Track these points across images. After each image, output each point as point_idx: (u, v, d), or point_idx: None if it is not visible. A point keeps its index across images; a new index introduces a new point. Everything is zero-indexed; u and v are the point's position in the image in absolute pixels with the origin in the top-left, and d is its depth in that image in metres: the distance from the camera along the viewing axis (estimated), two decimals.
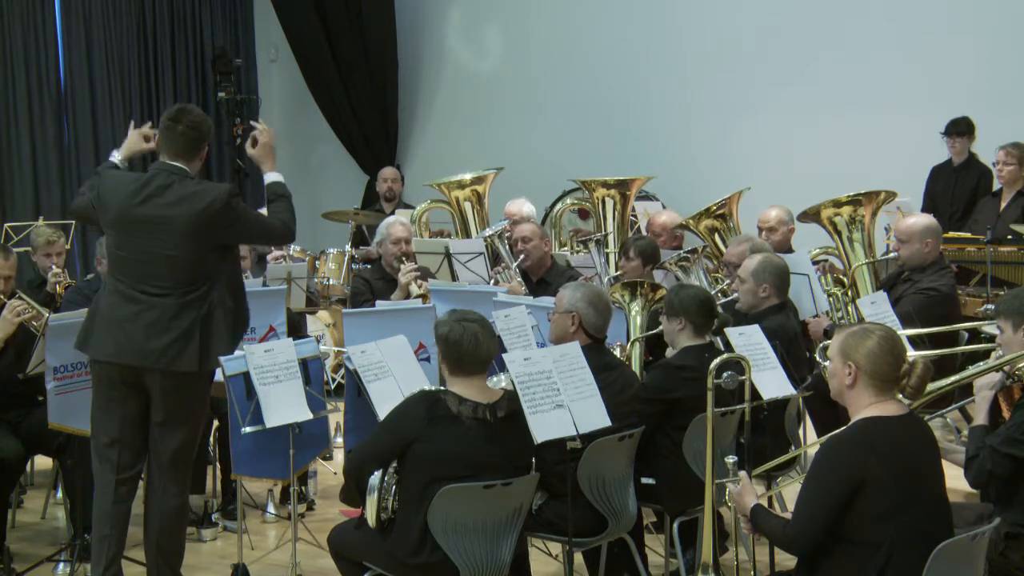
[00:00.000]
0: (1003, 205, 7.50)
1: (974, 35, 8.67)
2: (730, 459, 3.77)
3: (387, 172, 9.63)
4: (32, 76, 9.66)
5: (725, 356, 4.16)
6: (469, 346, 3.85)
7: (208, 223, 4.37)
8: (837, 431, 3.36)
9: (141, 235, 4.38)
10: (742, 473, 3.64)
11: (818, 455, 3.33)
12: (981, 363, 4.13)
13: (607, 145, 10.03)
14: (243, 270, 6.06)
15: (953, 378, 4.09)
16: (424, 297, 6.21)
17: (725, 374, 4.07)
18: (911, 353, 3.48)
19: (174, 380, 4.36)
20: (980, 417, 3.98)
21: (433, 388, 3.95)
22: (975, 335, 5.69)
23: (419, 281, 6.30)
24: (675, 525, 4.55)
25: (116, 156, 4.75)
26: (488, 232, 7.14)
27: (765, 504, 3.64)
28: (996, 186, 7.72)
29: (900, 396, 3.37)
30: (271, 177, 4.70)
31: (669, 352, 4.87)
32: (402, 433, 3.81)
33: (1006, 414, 4.06)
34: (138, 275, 4.38)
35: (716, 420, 4.36)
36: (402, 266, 6.33)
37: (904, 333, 4.99)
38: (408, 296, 6.24)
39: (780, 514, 3.89)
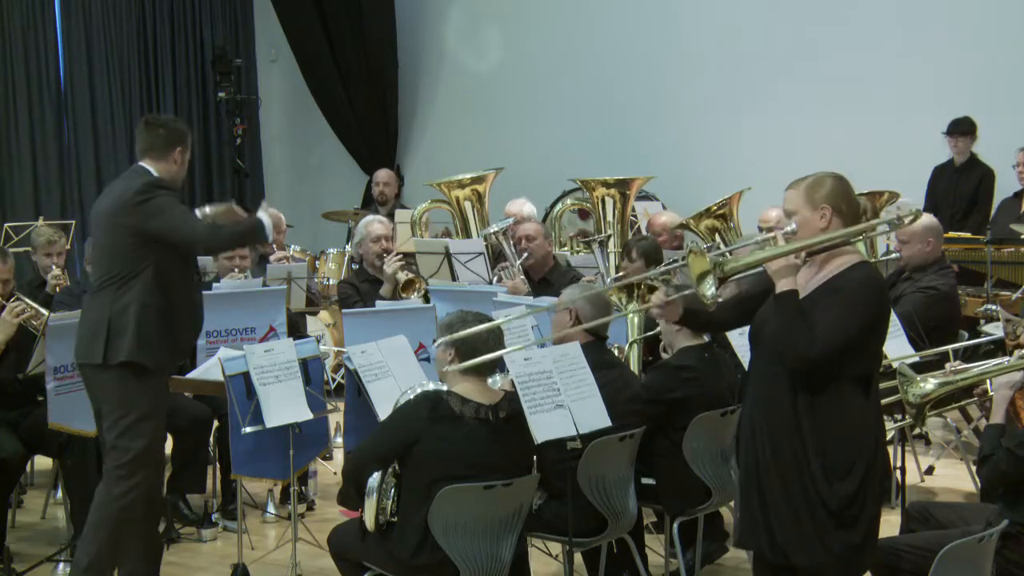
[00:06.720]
0: None
1: (975, 35, 8.66)
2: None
3: (380, 175, 9.36)
4: (32, 76, 9.66)
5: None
6: (494, 348, 3.89)
7: (118, 211, 4.37)
8: (857, 267, 3.37)
9: (93, 229, 4.66)
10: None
11: (857, 288, 3.32)
12: (1003, 360, 4.10)
13: (607, 145, 10.02)
14: (243, 270, 6.06)
15: (975, 370, 4.05)
16: (413, 282, 6.18)
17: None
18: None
19: (89, 372, 4.41)
20: (997, 416, 3.95)
21: (433, 388, 3.95)
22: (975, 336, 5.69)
23: (405, 270, 6.25)
24: (675, 525, 4.55)
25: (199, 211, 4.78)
26: (492, 229, 7.09)
27: None
28: (1017, 187, 7.69)
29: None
30: (262, 216, 4.49)
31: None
32: (405, 433, 3.81)
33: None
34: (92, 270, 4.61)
35: (715, 420, 4.40)
36: (385, 259, 6.27)
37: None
38: (396, 284, 6.20)
39: None
